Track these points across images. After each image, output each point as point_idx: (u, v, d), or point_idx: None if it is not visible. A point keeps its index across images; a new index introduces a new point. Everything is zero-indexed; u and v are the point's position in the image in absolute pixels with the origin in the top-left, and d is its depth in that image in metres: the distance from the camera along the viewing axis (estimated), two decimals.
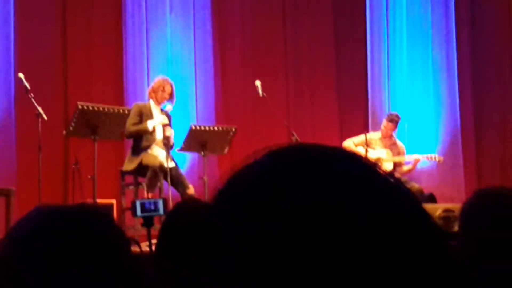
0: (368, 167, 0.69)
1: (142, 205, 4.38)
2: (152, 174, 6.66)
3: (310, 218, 0.63)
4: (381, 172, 0.69)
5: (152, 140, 6.82)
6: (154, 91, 6.92)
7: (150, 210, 4.38)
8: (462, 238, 2.02)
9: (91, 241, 1.08)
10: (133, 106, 6.94)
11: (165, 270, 1.94)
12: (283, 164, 0.68)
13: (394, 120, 8.08)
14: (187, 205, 2.35)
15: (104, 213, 1.16)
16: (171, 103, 6.95)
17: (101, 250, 1.08)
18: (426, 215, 0.68)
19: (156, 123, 6.77)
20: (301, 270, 0.62)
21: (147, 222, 4.31)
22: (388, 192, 0.67)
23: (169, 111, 6.94)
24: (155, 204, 4.41)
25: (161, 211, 4.42)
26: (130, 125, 6.73)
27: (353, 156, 0.70)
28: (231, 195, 0.68)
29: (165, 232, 2.17)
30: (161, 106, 6.92)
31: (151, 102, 6.93)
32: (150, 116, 6.85)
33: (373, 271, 0.63)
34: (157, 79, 7.11)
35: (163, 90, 6.90)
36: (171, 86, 6.98)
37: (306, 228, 0.63)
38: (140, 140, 6.81)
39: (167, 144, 6.73)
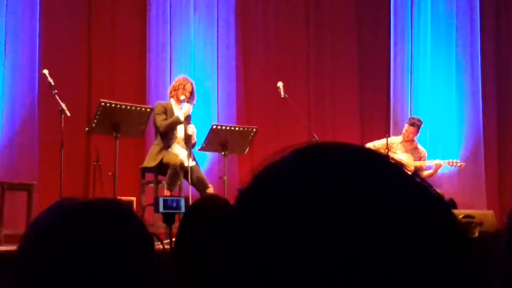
0: (396, 169, 0.68)
1: (165, 202, 4.41)
2: (173, 172, 6.70)
3: (334, 220, 0.62)
4: (410, 175, 0.68)
5: (174, 138, 6.87)
6: (175, 89, 7.00)
7: (172, 208, 4.41)
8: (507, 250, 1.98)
9: (112, 235, 1.08)
10: (156, 104, 7.01)
11: (182, 266, 1.95)
12: (308, 163, 0.67)
13: (415, 124, 8.04)
14: (206, 202, 2.35)
15: (126, 208, 1.16)
16: (192, 102, 6.98)
17: (124, 245, 1.08)
18: (455, 221, 0.67)
19: (185, 111, 6.84)
20: (313, 274, 0.61)
21: (168, 219, 4.33)
22: (418, 195, 0.66)
23: (189, 113, 6.98)
24: (177, 202, 4.43)
25: (183, 209, 4.44)
26: (161, 121, 6.81)
27: (378, 156, 0.68)
28: (252, 194, 0.68)
29: (183, 228, 2.17)
30: (181, 106, 6.97)
31: (172, 101, 6.99)
32: (172, 115, 6.91)
33: (399, 277, 0.61)
34: (177, 78, 7.19)
35: (184, 88, 6.95)
36: (192, 84, 7.03)
37: (328, 230, 0.62)
38: (163, 138, 6.86)
39: (188, 142, 6.77)
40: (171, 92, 7.07)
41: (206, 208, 2.16)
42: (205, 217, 2.07)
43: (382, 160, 0.69)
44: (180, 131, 6.92)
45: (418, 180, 0.68)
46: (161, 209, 4.39)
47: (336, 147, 0.70)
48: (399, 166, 0.68)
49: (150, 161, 6.86)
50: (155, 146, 6.92)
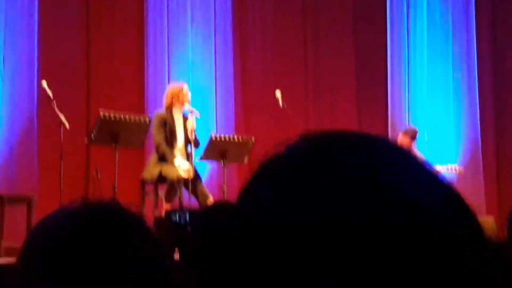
0: (410, 158, 0.66)
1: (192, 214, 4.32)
2: (170, 186, 6.69)
3: (347, 206, 0.60)
4: (426, 165, 0.66)
5: (174, 149, 6.84)
6: (175, 96, 6.89)
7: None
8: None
9: (120, 240, 1.08)
10: (155, 117, 6.90)
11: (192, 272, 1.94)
12: (317, 150, 0.65)
13: (407, 132, 8.01)
14: (218, 207, 2.33)
15: (132, 212, 1.16)
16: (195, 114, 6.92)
17: (133, 250, 1.08)
18: (473, 216, 0.65)
19: (181, 163, 6.74)
20: (329, 260, 0.60)
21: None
22: (432, 184, 0.64)
23: (196, 116, 6.88)
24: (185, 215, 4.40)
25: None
26: (161, 140, 6.75)
27: (390, 144, 0.66)
28: (261, 181, 0.66)
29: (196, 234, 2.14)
30: (183, 111, 6.91)
31: (174, 112, 6.90)
32: (171, 126, 6.84)
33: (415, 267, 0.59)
34: (172, 88, 7.01)
35: (182, 92, 6.91)
36: (187, 86, 7.01)
37: (340, 218, 0.60)
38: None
39: (190, 146, 6.74)
40: (169, 102, 6.89)
41: (219, 214, 2.13)
42: (218, 224, 2.05)
43: (400, 149, 0.67)
44: (179, 139, 6.89)
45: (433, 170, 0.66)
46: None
47: (348, 135, 0.68)
48: (415, 157, 0.66)
49: (148, 173, 6.82)
50: (154, 155, 6.90)
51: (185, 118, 6.93)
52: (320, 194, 0.61)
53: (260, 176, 0.67)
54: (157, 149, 6.80)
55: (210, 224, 2.05)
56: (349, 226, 0.60)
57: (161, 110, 7.02)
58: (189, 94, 6.97)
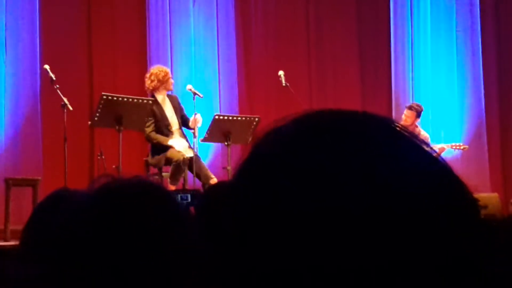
0: (402, 135, 0.64)
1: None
2: (175, 167, 6.70)
3: (337, 187, 0.60)
4: (415, 138, 0.64)
5: (170, 134, 6.85)
6: (162, 81, 6.86)
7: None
8: None
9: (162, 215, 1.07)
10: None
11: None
12: (309, 131, 0.64)
13: (413, 108, 8.02)
14: (219, 187, 2.33)
15: (158, 185, 1.16)
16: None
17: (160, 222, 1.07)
18: (469, 195, 0.65)
19: (175, 143, 6.73)
20: (318, 244, 0.59)
21: None
22: (424, 164, 0.63)
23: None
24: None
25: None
26: (150, 132, 6.75)
27: (382, 120, 0.65)
28: (251, 165, 0.65)
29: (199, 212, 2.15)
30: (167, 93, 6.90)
31: (157, 96, 6.84)
32: (161, 111, 6.82)
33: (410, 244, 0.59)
34: (157, 70, 6.92)
35: (169, 76, 6.91)
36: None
37: (332, 199, 0.59)
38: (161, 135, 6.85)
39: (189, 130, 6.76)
40: (156, 85, 6.80)
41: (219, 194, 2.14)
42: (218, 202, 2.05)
43: (392, 128, 0.65)
44: (173, 122, 6.89)
45: (427, 148, 0.65)
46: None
47: (339, 115, 0.66)
48: (410, 135, 0.65)
49: (155, 159, 6.85)
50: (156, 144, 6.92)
51: (171, 98, 6.92)
52: (315, 181, 0.60)
53: (255, 156, 0.66)
54: (147, 140, 6.83)
55: (209, 204, 2.05)
56: (350, 218, 0.59)
57: (145, 99, 6.92)
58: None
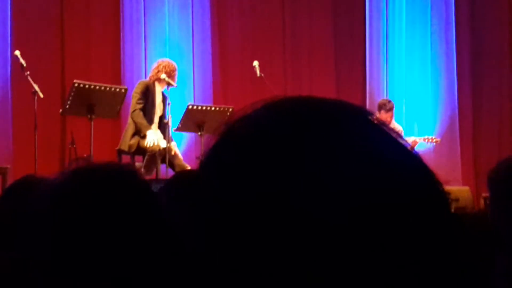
0: (374, 124, 0.64)
1: None
2: (150, 158, 6.65)
3: (308, 176, 0.58)
4: (389, 131, 0.64)
5: (151, 123, 6.80)
6: (170, 74, 6.79)
7: None
8: (493, 206, 1.99)
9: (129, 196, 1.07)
10: (140, 83, 6.85)
11: None
12: (280, 117, 0.63)
13: (382, 107, 8.00)
14: (184, 174, 2.32)
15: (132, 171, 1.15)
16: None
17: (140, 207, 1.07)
18: (440, 187, 0.64)
19: (153, 138, 6.66)
20: (292, 227, 0.58)
21: None
22: (394, 153, 0.63)
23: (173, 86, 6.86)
24: None
25: None
26: (138, 110, 6.67)
27: (356, 110, 0.64)
28: (223, 148, 0.64)
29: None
30: (164, 89, 6.86)
31: (156, 85, 6.83)
32: (153, 98, 6.78)
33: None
34: (167, 63, 6.90)
35: (176, 74, 6.87)
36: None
37: (304, 187, 0.58)
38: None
39: (164, 129, 6.72)
40: (160, 76, 6.77)
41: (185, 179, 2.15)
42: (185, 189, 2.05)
43: (362, 116, 0.64)
44: (157, 114, 6.86)
45: (399, 139, 0.64)
46: None
47: (317, 99, 0.65)
48: (380, 124, 0.64)
49: (126, 145, 6.77)
50: (130, 126, 6.83)
51: (164, 97, 6.90)
52: (284, 169, 0.59)
53: (222, 143, 0.65)
54: (131, 115, 6.74)
55: (173, 191, 2.06)
56: (319, 209, 0.58)
57: (147, 80, 6.97)
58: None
